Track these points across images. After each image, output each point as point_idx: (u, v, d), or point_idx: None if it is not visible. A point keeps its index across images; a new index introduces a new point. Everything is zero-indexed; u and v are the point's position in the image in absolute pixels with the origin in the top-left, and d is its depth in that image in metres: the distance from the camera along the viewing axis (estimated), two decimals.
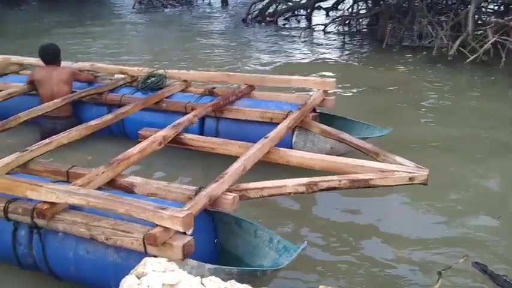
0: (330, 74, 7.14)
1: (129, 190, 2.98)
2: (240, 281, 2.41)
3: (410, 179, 2.99)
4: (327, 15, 11.79)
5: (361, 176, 2.99)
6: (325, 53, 8.92)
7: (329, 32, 10.67)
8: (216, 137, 4.14)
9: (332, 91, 4.36)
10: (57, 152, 3.57)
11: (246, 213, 3.15)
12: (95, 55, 8.71)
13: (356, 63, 8.23)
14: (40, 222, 2.65)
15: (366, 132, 4.23)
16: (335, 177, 2.97)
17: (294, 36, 10.43)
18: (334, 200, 3.57)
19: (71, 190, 2.56)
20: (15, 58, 5.48)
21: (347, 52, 9.23)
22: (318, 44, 9.77)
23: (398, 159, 3.20)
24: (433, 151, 4.45)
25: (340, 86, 6.16)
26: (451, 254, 3.01)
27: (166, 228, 2.33)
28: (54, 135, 3.52)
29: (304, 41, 10.00)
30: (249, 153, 3.16)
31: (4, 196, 2.76)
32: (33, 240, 2.74)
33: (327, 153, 3.91)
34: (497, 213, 3.44)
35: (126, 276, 1.81)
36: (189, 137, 3.60)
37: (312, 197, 3.45)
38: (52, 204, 2.60)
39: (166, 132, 3.51)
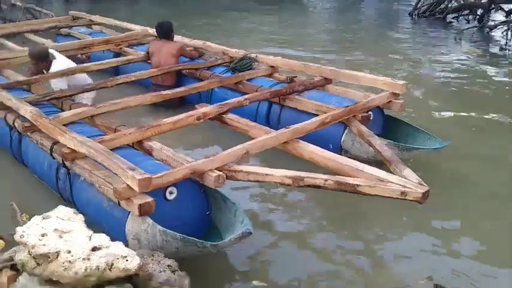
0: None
1: (149, 153, 3.39)
2: (185, 247, 2.67)
3: (402, 193, 2.81)
4: (507, 16, 10.53)
5: (349, 180, 2.91)
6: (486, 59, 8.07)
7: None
8: (278, 124, 4.34)
9: (401, 94, 4.12)
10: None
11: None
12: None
13: None
14: (67, 164, 3.24)
15: (427, 143, 3.96)
16: (323, 176, 2.95)
17: (460, 35, 9.68)
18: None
19: (83, 141, 3.08)
20: (151, 30, 6.31)
21: None
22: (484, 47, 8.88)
23: (406, 172, 3.00)
24: None
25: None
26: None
27: (130, 187, 2.68)
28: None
29: (470, 41, 9.20)
30: (258, 140, 3.29)
31: (51, 138, 3.40)
32: (66, 178, 3.36)
33: (372, 157, 3.82)
34: None
35: (36, 216, 2.20)
36: (229, 116, 3.85)
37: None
38: (73, 150, 3.15)
39: (210, 109, 3.82)
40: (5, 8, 9.28)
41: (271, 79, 4.93)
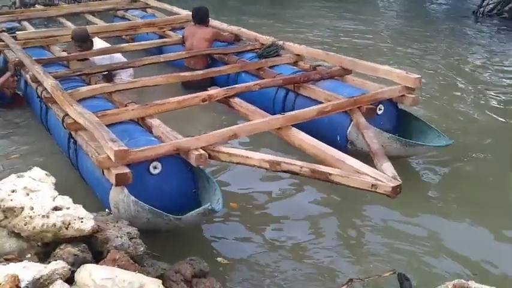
0: None
1: (150, 130, 3.57)
2: (154, 219, 2.82)
3: (373, 185, 2.79)
4: None
5: (323, 169, 2.92)
6: None
7: None
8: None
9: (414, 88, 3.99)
10: None
11: None
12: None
13: None
14: (72, 134, 3.50)
15: (435, 140, 3.83)
16: (298, 163, 2.98)
17: None
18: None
19: (82, 112, 3.31)
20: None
21: None
22: None
23: (385, 165, 2.95)
24: None
25: None
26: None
27: (109, 157, 2.87)
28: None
29: None
30: (249, 123, 3.37)
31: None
32: (73, 148, 3.63)
33: None
34: None
35: (13, 174, 2.43)
36: (235, 100, 3.93)
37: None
38: (76, 121, 3.40)
39: (217, 92, 3.94)
40: None
41: (294, 67, 4.95)
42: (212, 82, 5.07)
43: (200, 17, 5.66)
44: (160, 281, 1.91)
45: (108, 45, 5.35)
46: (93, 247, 2.41)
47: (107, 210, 2.99)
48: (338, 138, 4.00)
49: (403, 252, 3.03)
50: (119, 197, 2.89)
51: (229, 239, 3.16)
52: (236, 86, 4.07)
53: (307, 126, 4.19)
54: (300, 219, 3.37)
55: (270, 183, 3.73)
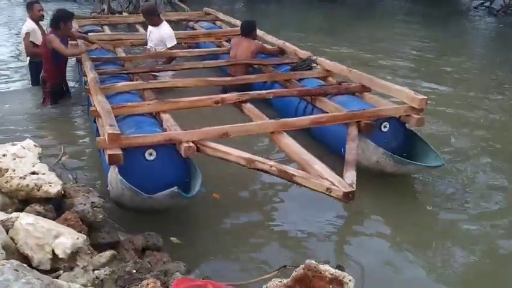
0: None
1: (161, 124, 4.00)
2: (134, 196, 3.20)
3: (328, 189, 2.99)
4: None
5: (288, 170, 3.17)
6: None
7: None
8: None
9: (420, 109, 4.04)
10: None
11: None
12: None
13: None
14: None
15: (432, 161, 3.86)
16: (269, 163, 3.25)
17: None
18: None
19: (100, 101, 3.83)
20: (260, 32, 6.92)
21: None
22: None
23: (349, 173, 3.12)
24: None
25: None
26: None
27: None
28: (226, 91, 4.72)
29: None
30: (241, 124, 3.68)
31: None
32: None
33: (373, 166, 3.89)
34: None
35: (10, 143, 2.93)
36: (247, 106, 4.24)
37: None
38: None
39: (230, 96, 4.29)
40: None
41: (322, 81, 5.15)
42: (250, 89, 5.43)
43: (247, 30, 6.06)
44: (80, 234, 2.25)
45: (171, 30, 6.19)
46: (62, 210, 2.83)
47: (107, 187, 3.44)
48: (342, 151, 4.16)
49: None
50: (112, 176, 3.32)
51: (202, 225, 3.47)
52: (250, 92, 4.40)
53: (318, 134, 4.42)
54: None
55: (257, 181, 4.00)
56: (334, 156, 4.00)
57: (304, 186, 3.07)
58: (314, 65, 5.43)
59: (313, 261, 1.91)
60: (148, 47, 6.20)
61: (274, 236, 3.33)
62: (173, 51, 5.97)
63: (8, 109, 5.56)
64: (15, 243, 2.07)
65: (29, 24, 6.04)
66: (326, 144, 4.41)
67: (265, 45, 6.20)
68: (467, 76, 7.83)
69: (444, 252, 3.23)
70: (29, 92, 6.12)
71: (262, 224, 3.48)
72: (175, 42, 6.06)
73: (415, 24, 12.64)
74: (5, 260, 1.71)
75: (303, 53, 5.71)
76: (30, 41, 5.96)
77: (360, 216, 3.61)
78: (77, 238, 2.14)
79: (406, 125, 4.22)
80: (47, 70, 5.60)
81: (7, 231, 2.13)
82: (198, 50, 6.27)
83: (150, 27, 6.20)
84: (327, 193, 2.97)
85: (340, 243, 3.35)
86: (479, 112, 5.91)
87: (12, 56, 8.36)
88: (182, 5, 10.46)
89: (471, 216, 3.68)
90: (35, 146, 2.93)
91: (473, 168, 4.40)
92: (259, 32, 6.52)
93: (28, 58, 6.14)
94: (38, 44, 5.93)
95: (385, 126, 4.12)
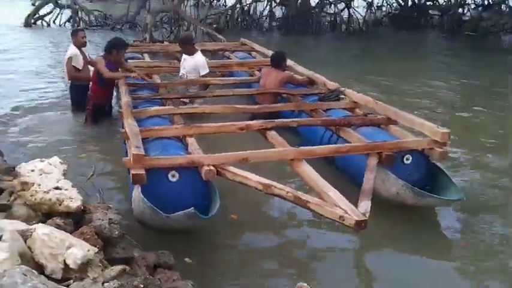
0: None
1: (187, 147, 4.13)
2: (154, 215, 3.30)
3: (341, 217, 3.00)
4: None
5: (304, 197, 3.21)
6: None
7: None
8: None
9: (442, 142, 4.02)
10: None
11: None
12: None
13: None
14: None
15: (452, 195, 3.83)
16: (286, 189, 3.30)
17: None
18: None
19: (129, 124, 4.01)
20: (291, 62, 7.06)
21: None
22: None
23: (363, 203, 3.14)
24: None
25: None
26: None
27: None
28: (254, 118, 4.86)
29: None
30: (261, 151, 3.77)
31: None
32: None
33: (393, 198, 3.89)
34: None
35: (39, 159, 3.11)
36: (271, 133, 4.33)
37: None
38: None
39: (255, 123, 4.40)
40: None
41: (349, 112, 5.19)
42: (278, 117, 5.54)
43: (277, 61, 6.22)
44: (91, 246, 2.36)
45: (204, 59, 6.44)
46: (81, 225, 2.95)
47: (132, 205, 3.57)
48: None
49: None
50: (135, 195, 3.45)
51: (217, 246, 3.53)
52: (275, 120, 4.49)
53: (342, 165, 4.45)
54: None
55: (275, 204, 4.04)
56: (354, 186, 4.01)
57: (318, 213, 3.10)
58: (342, 96, 5.50)
59: (305, 284, 1.94)
60: (180, 74, 6.44)
61: (286, 262, 3.34)
62: (206, 78, 6.18)
63: (48, 128, 5.85)
64: (32, 252, 2.19)
65: (72, 50, 6.39)
66: (349, 175, 4.43)
67: (295, 75, 6.32)
68: None
69: None
70: (70, 113, 6.43)
71: (276, 249, 3.50)
72: (208, 71, 6.27)
73: (455, 59, 12.51)
74: (16, 265, 1.83)
75: (332, 84, 5.79)
76: (72, 66, 6.30)
77: (379, 245, 3.57)
78: (88, 250, 2.25)
79: (429, 158, 4.21)
80: (92, 90, 5.95)
81: (25, 241, 2.26)
82: (229, 78, 6.45)
83: (184, 56, 6.46)
84: (340, 221, 2.99)
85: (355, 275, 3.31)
86: None
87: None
88: (219, 36, 10.81)
89: None
90: (60, 163, 3.10)
91: None
92: (289, 62, 6.68)
93: (70, 81, 6.48)
94: (80, 68, 6.28)
95: (407, 159, 4.11)
